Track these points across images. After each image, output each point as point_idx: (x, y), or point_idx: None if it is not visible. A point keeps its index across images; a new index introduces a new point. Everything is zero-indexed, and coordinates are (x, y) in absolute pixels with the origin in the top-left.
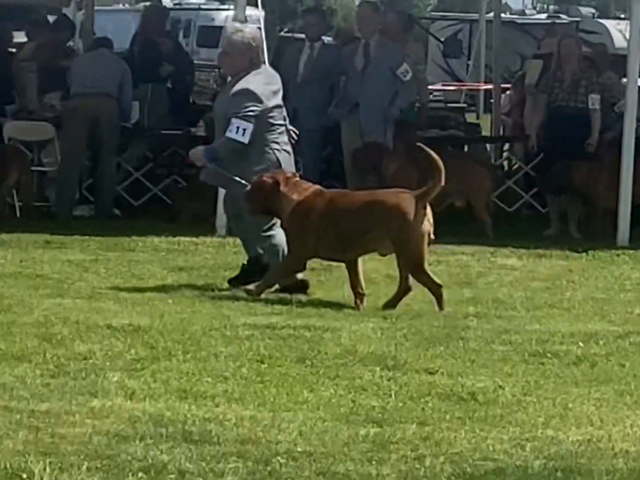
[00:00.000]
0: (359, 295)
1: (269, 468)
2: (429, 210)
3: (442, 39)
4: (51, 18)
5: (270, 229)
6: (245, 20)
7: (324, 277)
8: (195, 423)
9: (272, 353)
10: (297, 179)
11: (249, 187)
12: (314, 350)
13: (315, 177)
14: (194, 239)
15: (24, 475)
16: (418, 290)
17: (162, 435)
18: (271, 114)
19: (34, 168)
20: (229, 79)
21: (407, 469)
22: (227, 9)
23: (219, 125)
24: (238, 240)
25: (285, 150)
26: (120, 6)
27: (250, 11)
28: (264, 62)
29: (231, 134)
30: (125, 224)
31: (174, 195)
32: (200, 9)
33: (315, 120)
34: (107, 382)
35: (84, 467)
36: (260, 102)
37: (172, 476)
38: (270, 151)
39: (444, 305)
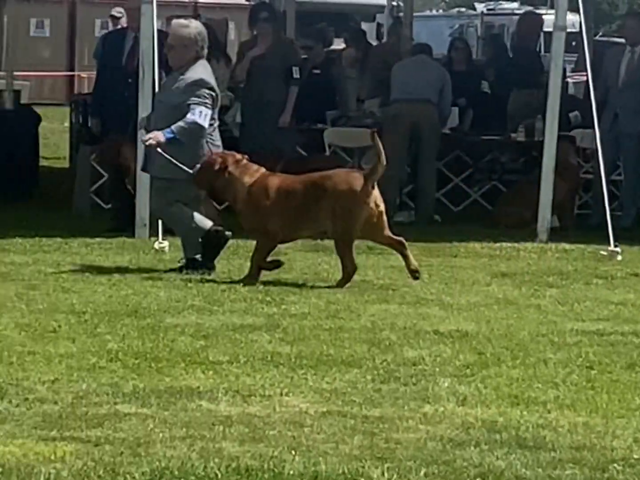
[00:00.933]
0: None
1: (606, 475)
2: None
3: None
4: (364, 25)
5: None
6: (565, 26)
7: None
8: (528, 429)
9: (601, 359)
10: (246, 161)
11: (198, 167)
12: None
13: (636, 182)
14: (516, 244)
15: None
16: None
17: (497, 441)
18: (214, 107)
19: None
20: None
21: None
22: (543, 14)
23: (163, 116)
24: (560, 246)
25: (217, 147)
26: (434, 12)
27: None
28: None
29: (194, 117)
30: (445, 229)
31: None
32: (513, 14)
33: (637, 124)
34: (438, 387)
35: (422, 472)
36: (214, 91)
37: None
38: (204, 144)
39: (343, 285)
